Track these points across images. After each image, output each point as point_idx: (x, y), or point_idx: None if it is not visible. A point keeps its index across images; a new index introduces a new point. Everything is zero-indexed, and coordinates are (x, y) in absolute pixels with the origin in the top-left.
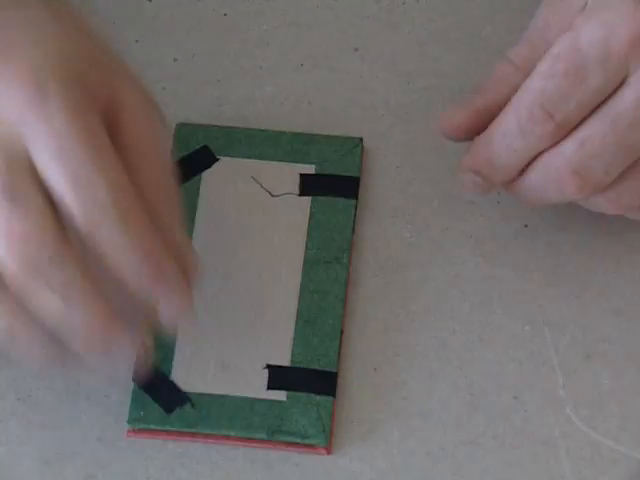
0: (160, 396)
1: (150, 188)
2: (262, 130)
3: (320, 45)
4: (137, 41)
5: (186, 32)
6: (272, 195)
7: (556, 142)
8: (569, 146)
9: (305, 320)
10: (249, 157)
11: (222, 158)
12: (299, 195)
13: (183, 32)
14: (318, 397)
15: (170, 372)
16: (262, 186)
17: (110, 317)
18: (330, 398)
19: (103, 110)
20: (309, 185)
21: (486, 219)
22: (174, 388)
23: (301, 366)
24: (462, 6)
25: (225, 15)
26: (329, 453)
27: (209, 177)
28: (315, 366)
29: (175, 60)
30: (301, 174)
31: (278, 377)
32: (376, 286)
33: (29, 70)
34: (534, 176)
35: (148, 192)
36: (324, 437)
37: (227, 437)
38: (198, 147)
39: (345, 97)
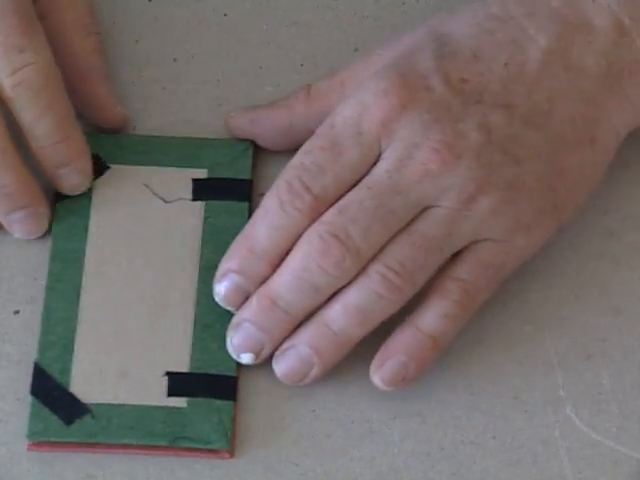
0: (59, 408)
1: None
2: (153, 136)
3: (320, 45)
4: (137, 41)
5: (186, 32)
6: (165, 201)
7: (316, 218)
8: (329, 214)
9: (203, 325)
10: (141, 164)
11: (113, 166)
12: (192, 200)
13: (183, 32)
14: (219, 402)
15: (69, 383)
16: (155, 193)
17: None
18: (231, 402)
19: None
20: (202, 190)
21: None
22: (73, 399)
23: (201, 372)
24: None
25: (225, 15)
26: (232, 457)
27: (101, 186)
28: (214, 371)
29: (175, 60)
30: (193, 179)
31: (178, 384)
32: None
33: None
34: (298, 253)
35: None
36: (226, 441)
37: (128, 446)
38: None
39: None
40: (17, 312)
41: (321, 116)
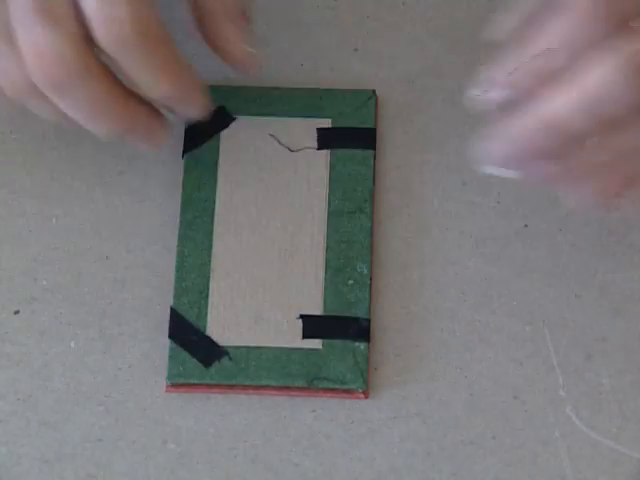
0: (197, 351)
1: None
2: (276, 87)
3: (320, 45)
4: None
5: (186, 32)
6: (291, 150)
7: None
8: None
9: (334, 269)
10: (265, 115)
11: (239, 117)
12: (317, 149)
13: (183, 32)
14: (353, 343)
15: (205, 328)
16: (280, 142)
17: (134, 121)
18: (365, 344)
19: None
20: (327, 138)
21: (486, 219)
22: (211, 342)
23: (334, 314)
24: (462, 6)
25: None
26: (366, 397)
27: (228, 137)
28: (348, 313)
29: None
30: (318, 128)
31: (312, 326)
32: (376, 287)
33: None
34: (592, 76)
35: None
36: (362, 381)
37: (267, 387)
38: (214, 108)
39: None
40: (17, 312)
41: None
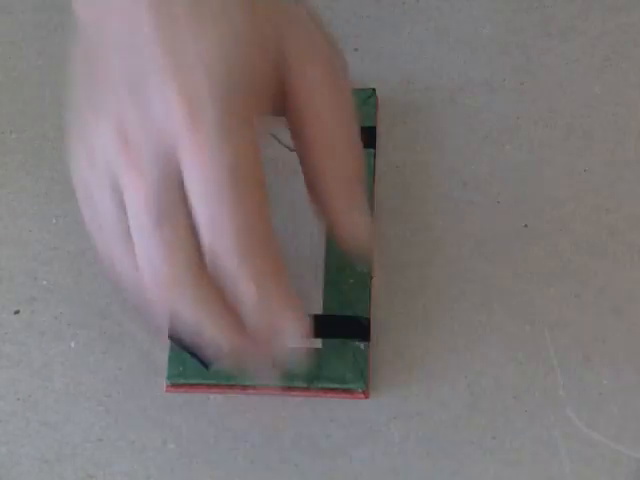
0: (197, 352)
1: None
2: None
3: None
4: None
5: None
6: (291, 150)
7: None
8: None
9: (334, 268)
10: (265, 114)
11: None
12: None
13: None
14: (353, 343)
15: None
16: (280, 142)
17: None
18: (365, 343)
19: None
20: None
21: (486, 219)
22: None
23: (334, 313)
24: (462, 6)
25: None
26: (366, 397)
27: None
28: (348, 313)
29: None
30: None
31: (312, 326)
32: (376, 286)
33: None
34: None
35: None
36: (362, 381)
37: (267, 387)
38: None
39: None
40: (17, 312)
41: None
